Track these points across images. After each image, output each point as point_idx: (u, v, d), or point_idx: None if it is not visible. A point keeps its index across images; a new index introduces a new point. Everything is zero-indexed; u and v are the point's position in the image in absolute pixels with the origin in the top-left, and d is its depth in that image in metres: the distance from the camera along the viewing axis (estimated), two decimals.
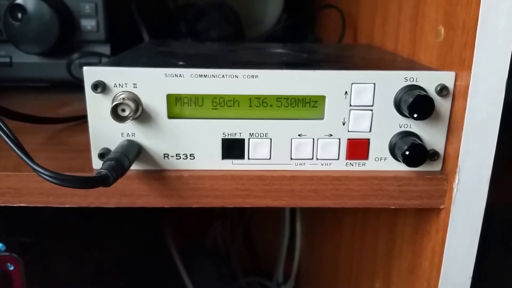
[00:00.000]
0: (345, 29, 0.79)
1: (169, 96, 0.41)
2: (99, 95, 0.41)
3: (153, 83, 0.41)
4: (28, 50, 0.66)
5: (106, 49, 0.69)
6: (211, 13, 0.82)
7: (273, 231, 1.23)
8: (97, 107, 0.41)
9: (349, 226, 0.78)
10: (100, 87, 0.40)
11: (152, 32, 0.76)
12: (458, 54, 0.41)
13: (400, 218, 0.55)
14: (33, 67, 0.69)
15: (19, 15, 0.64)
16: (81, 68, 0.41)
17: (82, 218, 0.66)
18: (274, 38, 0.93)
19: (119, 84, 0.41)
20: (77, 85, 0.53)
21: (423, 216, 0.48)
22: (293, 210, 1.16)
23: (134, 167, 0.42)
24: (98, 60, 0.68)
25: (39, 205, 0.43)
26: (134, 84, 0.41)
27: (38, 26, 0.64)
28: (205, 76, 0.41)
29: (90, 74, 0.40)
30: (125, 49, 0.54)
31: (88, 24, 0.67)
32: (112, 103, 0.40)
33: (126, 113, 0.40)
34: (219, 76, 0.41)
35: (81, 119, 0.55)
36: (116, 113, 0.39)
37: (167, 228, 1.14)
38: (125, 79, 0.41)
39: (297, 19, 0.99)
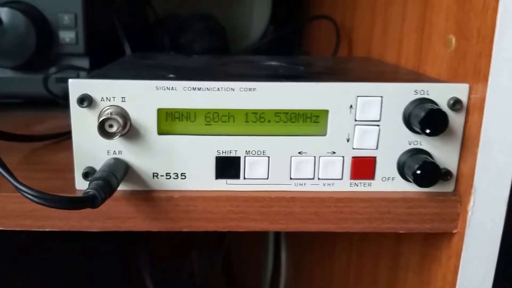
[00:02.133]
0: (339, 41, 0.77)
1: (159, 111, 0.39)
2: (85, 110, 0.38)
3: (142, 97, 0.39)
4: (2, 64, 0.64)
5: (85, 63, 0.66)
6: (195, 25, 0.81)
7: (255, 260, 1.20)
8: (82, 123, 0.39)
9: (344, 253, 0.76)
10: (86, 101, 0.38)
11: (132, 45, 0.74)
12: (472, 65, 0.39)
13: (405, 243, 0.53)
14: (7, 82, 0.66)
15: None
16: (58, 83, 0.38)
17: (52, 246, 0.64)
18: (260, 51, 0.92)
19: (107, 98, 0.38)
20: (54, 101, 0.50)
21: (432, 241, 0.46)
22: (277, 235, 1.13)
23: (120, 187, 0.40)
24: (76, 74, 0.65)
25: (17, 229, 0.40)
26: (122, 98, 0.38)
27: (13, 38, 0.62)
28: (199, 89, 0.39)
29: (76, 87, 0.38)
30: (105, 63, 0.51)
31: (67, 36, 0.64)
32: (99, 119, 0.37)
33: (114, 129, 0.38)
34: (214, 89, 0.39)
35: (61, 137, 0.53)
36: (103, 129, 0.37)
37: (142, 259, 1.11)
38: (113, 92, 0.38)
39: (284, 31, 0.97)
